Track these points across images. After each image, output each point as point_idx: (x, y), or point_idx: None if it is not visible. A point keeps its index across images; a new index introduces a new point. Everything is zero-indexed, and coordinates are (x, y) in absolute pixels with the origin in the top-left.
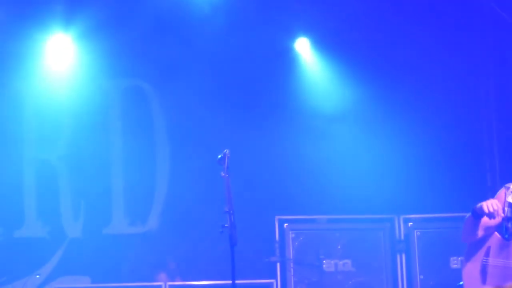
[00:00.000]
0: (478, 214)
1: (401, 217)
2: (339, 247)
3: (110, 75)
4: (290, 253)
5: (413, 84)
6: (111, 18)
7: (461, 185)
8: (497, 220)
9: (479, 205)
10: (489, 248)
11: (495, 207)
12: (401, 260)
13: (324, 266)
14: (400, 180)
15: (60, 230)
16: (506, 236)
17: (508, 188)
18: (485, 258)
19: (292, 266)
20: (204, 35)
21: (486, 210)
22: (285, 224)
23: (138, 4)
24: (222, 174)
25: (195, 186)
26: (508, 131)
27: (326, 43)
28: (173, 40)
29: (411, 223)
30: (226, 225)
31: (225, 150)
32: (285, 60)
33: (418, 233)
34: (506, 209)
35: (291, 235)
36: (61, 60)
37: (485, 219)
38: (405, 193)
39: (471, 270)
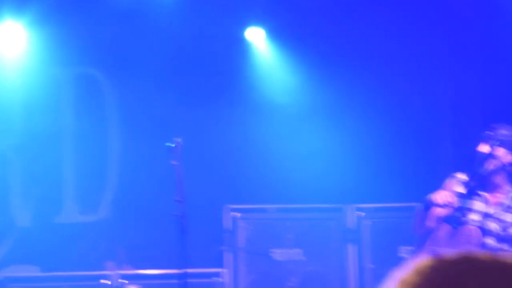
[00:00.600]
0: (430, 205)
1: (352, 206)
2: (290, 236)
3: (62, 63)
4: (241, 242)
5: (366, 74)
6: (64, 5)
7: (412, 175)
8: (447, 209)
9: (430, 196)
10: (438, 238)
11: (447, 198)
12: (352, 249)
13: (274, 255)
14: (351, 170)
15: (9, 219)
16: (455, 225)
17: (456, 178)
18: (434, 247)
19: (242, 255)
20: (157, 23)
21: (438, 201)
22: (236, 213)
23: None
24: (173, 162)
25: (146, 175)
26: (461, 121)
27: (281, 33)
28: (126, 29)
29: (362, 213)
30: (176, 214)
31: (176, 138)
32: (239, 49)
33: (369, 222)
34: (454, 198)
35: (242, 224)
36: (11, 47)
37: (436, 209)
38: (357, 182)
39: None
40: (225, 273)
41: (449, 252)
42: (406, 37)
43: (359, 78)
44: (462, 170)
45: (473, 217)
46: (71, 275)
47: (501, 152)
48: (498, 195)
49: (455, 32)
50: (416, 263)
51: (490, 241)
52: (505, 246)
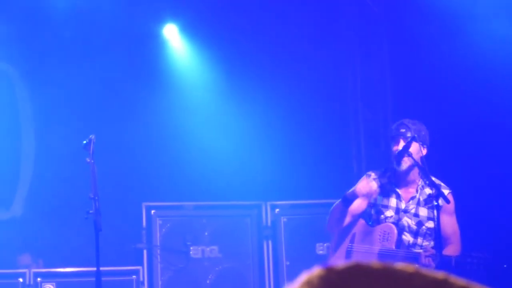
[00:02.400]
0: (349, 200)
1: (268, 204)
2: (206, 233)
3: None
4: (157, 239)
5: (282, 70)
6: None
7: (327, 172)
8: (363, 206)
9: (350, 190)
10: (354, 235)
11: (368, 188)
12: (268, 246)
13: (191, 252)
14: (267, 166)
15: None
16: (370, 222)
17: (370, 175)
18: (350, 244)
19: (159, 252)
20: (70, 19)
21: (359, 192)
22: (152, 211)
23: None
24: (88, 159)
25: (61, 172)
26: (374, 118)
27: (195, 29)
28: (41, 23)
29: (278, 210)
30: (91, 211)
31: (90, 136)
32: (154, 46)
33: (285, 219)
34: (367, 195)
35: (158, 221)
36: None
37: (352, 207)
38: (272, 179)
39: (337, 258)
40: (141, 271)
41: (341, 262)
42: (324, 36)
43: (276, 75)
44: (375, 167)
45: (388, 213)
46: None
47: (414, 148)
48: (411, 190)
49: (367, 32)
50: (306, 274)
51: (406, 237)
52: (420, 241)
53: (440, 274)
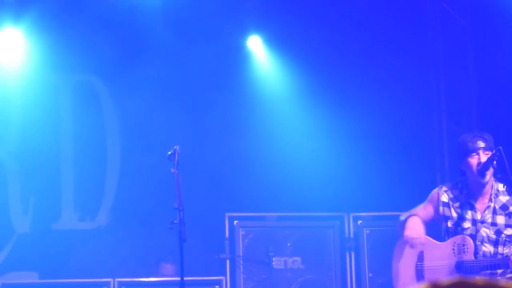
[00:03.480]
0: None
1: (351, 215)
2: (288, 244)
3: (61, 70)
4: (240, 250)
5: (365, 82)
6: (62, 11)
7: (410, 183)
8: (431, 214)
9: (405, 224)
10: (421, 253)
11: (418, 235)
12: (350, 258)
13: (273, 263)
14: (350, 178)
15: (9, 225)
16: (446, 236)
17: (441, 187)
18: (419, 263)
19: (241, 263)
20: (155, 31)
21: (407, 235)
22: (235, 221)
23: None
24: (172, 170)
25: (145, 182)
26: (458, 130)
27: (280, 41)
28: (125, 35)
29: (360, 221)
30: (175, 222)
31: (175, 146)
32: (238, 57)
33: (368, 231)
34: (441, 208)
35: (241, 232)
36: (10, 54)
37: (422, 214)
38: (355, 191)
39: (405, 276)
40: (224, 281)
41: (412, 283)
42: (406, 46)
43: (359, 87)
44: (454, 179)
45: (466, 225)
46: (70, 282)
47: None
48: (485, 200)
49: (453, 42)
50: None
51: (486, 248)
52: (501, 249)
53: None
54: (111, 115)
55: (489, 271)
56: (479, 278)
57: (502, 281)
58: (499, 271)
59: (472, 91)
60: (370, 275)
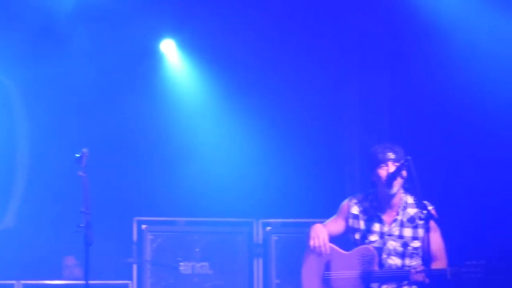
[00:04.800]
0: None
1: (260, 221)
2: (197, 249)
3: None
4: (148, 254)
5: (277, 88)
6: None
7: (320, 191)
8: (341, 229)
9: (311, 231)
10: (328, 262)
11: (321, 244)
12: (258, 264)
13: (181, 268)
14: (259, 184)
15: None
16: (354, 247)
17: (352, 200)
18: (326, 272)
19: (149, 267)
20: (67, 32)
21: (311, 244)
22: (143, 226)
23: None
24: (80, 173)
25: (53, 185)
26: (369, 139)
27: (193, 45)
28: (37, 36)
29: (269, 228)
30: (82, 225)
31: (83, 149)
32: (151, 59)
33: (276, 237)
34: (350, 220)
35: (149, 236)
36: None
37: (332, 228)
38: (265, 197)
39: (312, 285)
40: (130, 286)
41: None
42: (318, 53)
43: (271, 93)
44: (364, 189)
45: (373, 238)
46: None
47: (402, 172)
48: (393, 213)
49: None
50: None
51: (392, 261)
52: (408, 261)
53: None
54: (21, 116)
55: (395, 284)
56: None
57: None
58: (405, 282)
59: (385, 100)
60: (278, 281)
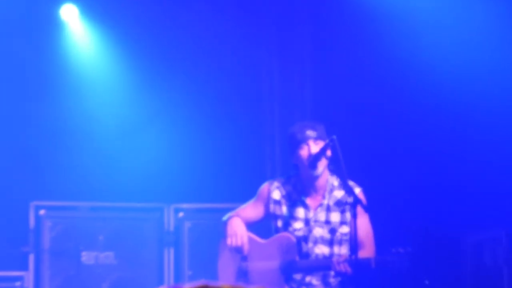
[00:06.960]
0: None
1: (172, 207)
2: (101, 237)
3: None
4: (46, 243)
5: (193, 69)
6: None
7: (237, 173)
8: (260, 215)
9: (226, 227)
10: (255, 248)
11: (239, 243)
12: (169, 253)
13: (83, 258)
14: (171, 166)
15: None
16: (273, 234)
17: (272, 183)
18: (243, 263)
19: (47, 257)
20: None
21: (228, 244)
22: (41, 211)
23: None
24: None
25: None
26: (290, 121)
27: (96, 12)
28: None
29: (182, 213)
30: None
31: None
32: (49, 29)
33: (189, 224)
34: (271, 206)
35: (47, 223)
36: None
37: (248, 215)
38: (176, 180)
39: (227, 276)
40: (26, 277)
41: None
42: (234, 24)
43: (187, 72)
44: (290, 169)
45: (297, 225)
46: None
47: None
48: (318, 197)
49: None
50: None
51: (319, 250)
52: (337, 250)
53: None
54: None
55: (320, 274)
56: (224, 283)
57: (252, 286)
58: (331, 272)
59: (307, 79)
60: (190, 273)
